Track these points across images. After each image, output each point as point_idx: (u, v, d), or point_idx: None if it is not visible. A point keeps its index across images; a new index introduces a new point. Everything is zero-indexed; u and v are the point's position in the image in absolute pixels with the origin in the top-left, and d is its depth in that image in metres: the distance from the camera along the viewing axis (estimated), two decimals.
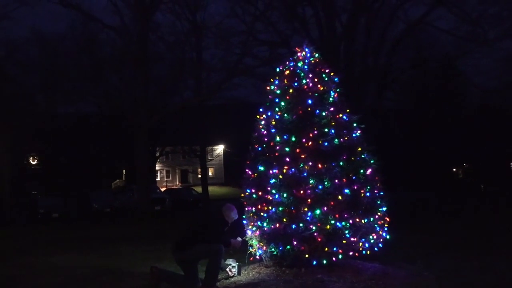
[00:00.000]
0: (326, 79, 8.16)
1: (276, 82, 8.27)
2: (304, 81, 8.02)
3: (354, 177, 7.61)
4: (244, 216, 8.09)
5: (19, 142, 31.80)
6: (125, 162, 50.14)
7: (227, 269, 7.77)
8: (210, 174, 56.99)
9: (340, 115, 7.94)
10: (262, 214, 7.70)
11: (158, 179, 59.76)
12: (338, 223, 7.30)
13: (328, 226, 7.24)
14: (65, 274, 9.27)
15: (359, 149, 7.87)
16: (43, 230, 20.90)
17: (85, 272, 9.38)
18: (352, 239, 7.41)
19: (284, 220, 7.40)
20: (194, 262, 7.51)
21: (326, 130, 7.68)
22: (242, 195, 8.15)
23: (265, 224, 7.63)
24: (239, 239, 7.84)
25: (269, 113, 8.10)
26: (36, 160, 51.55)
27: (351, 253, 7.58)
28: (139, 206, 24.80)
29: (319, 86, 8.02)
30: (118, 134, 44.39)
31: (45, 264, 10.54)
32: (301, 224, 7.31)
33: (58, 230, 20.44)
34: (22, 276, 9.30)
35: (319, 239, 7.25)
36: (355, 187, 7.54)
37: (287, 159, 7.56)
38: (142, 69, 24.98)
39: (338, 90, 8.21)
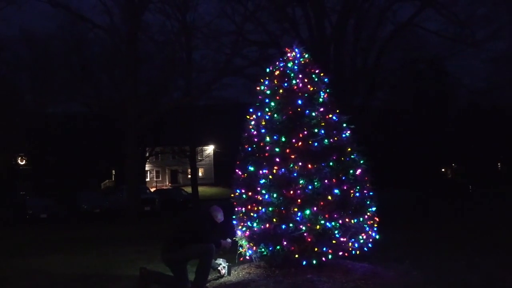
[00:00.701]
0: (316, 79, 8.18)
1: (266, 82, 8.28)
2: (294, 82, 8.04)
3: (343, 177, 7.64)
4: (234, 217, 8.09)
5: (8, 142, 31.53)
6: (114, 162, 49.93)
7: (219, 268, 7.77)
8: (200, 174, 56.89)
9: (330, 116, 7.97)
10: (252, 214, 7.70)
11: (147, 179, 59.56)
12: (327, 223, 7.32)
13: (317, 226, 7.26)
14: (53, 275, 9.21)
15: (349, 149, 7.90)
16: (31, 231, 20.74)
17: (74, 273, 9.32)
18: (341, 239, 7.43)
19: (274, 220, 7.41)
20: (184, 263, 7.49)
21: (316, 130, 7.70)
22: (232, 195, 8.15)
23: (255, 225, 7.64)
24: (229, 240, 7.84)
25: (259, 114, 8.11)
26: (24, 161, 51.16)
27: (340, 253, 7.61)
28: (128, 207, 24.69)
29: (309, 86, 8.04)
30: (108, 134, 44.18)
31: (33, 266, 10.46)
32: (291, 224, 7.32)
33: (46, 231, 20.29)
34: (10, 278, 9.22)
35: (309, 239, 7.26)
36: (345, 187, 7.57)
37: (277, 160, 7.57)
38: (131, 69, 24.88)
39: (327, 90, 8.24)
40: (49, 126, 39.16)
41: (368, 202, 7.83)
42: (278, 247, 7.45)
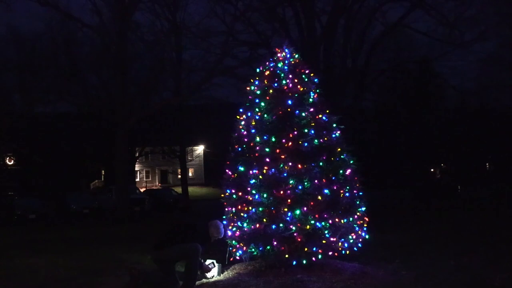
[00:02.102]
0: (306, 79, 8.20)
1: (256, 82, 8.28)
2: (284, 82, 8.05)
3: (333, 178, 7.66)
4: (224, 217, 8.08)
5: None
6: (104, 162, 49.69)
7: (209, 273, 7.75)
8: (190, 174, 56.77)
9: (320, 116, 7.99)
10: (242, 214, 7.70)
11: (137, 179, 59.32)
12: (317, 223, 7.34)
13: (307, 226, 7.28)
14: (42, 276, 9.14)
15: (339, 149, 7.93)
16: (19, 231, 20.57)
17: (63, 274, 9.26)
18: (331, 239, 7.45)
19: (264, 220, 7.41)
20: (173, 263, 7.48)
21: (306, 130, 7.72)
22: (222, 195, 8.14)
23: (245, 225, 7.64)
24: (211, 266, 7.81)
25: (249, 114, 8.11)
26: (12, 161, 50.77)
27: (330, 253, 7.63)
28: (117, 207, 24.56)
29: (299, 86, 8.06)
30: (97, 134, 43.98)
31: (21, 266, 10.37)
32: (281, 224, 7.33)
33: (35, 231, 20.14)
34: None
35: (299, 239, 7.28)
36: (335, 187, 7.59)
37: (267, 160, 7.58)
38: (120, 69, 24.75)
39: (317, 90, 8.26)
40: (38, 126, 38.91)
41: (357, 202, 7.87)
42: (268, 247, 7.45)
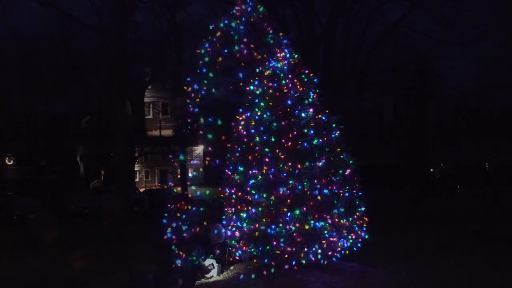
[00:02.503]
0: (306, 79, 8.20)
1: (256, 82, 8.27)
2: (283, 82, 8.04)
3: (333, 178, 7.65)
4: (223, 217, 8.07)
5: None
6: (103, 162, 49.64)
7: (210, 272, 7.75)
8: (190, 174, 56.58)
9: (319, 116, 7.98)
10: (241, 214, 7.69)
11: (137, 180, 59.18)
12: (317, 223, 7.33)
13: (307, 226, 7.27)
14: (42, 276, 9.13)
15: (338, 149, 7.92)
16: (19, 231, 20.54)
17: (62, 273, 9.25)
18: (331, 239, 7.45)
19: (264, 220, 7.40)
20: (173, 263, 7.47)
21: (306, 130, 7.72)
22: (222, 195, 8.13)
23: (244, 225, 7.63)
24: (210, 267, 7.79)
25: (248, 114, 8.10)
26: (12, 161, 50.75)
27: (330, 253, 7.62)
28: (117, 207, 24.53)
29: (298, 87, 8.05)
30: (97, 134, 43.93)
31: (21, 266, 10.37)
32: (280, 225, 7.32)
33: (34, 231, 20.07)
34: None
35: (299, 239, 7.27)
36: (334, 187, 7.59)
37: (267, 160, 7.57)
38: (120, 69, 24.72)
39: (317, 91, 8.25)
40: (38, 126, 38.91)
41: (357, 202, 7.86)
42: (267, 247, 7.44)
